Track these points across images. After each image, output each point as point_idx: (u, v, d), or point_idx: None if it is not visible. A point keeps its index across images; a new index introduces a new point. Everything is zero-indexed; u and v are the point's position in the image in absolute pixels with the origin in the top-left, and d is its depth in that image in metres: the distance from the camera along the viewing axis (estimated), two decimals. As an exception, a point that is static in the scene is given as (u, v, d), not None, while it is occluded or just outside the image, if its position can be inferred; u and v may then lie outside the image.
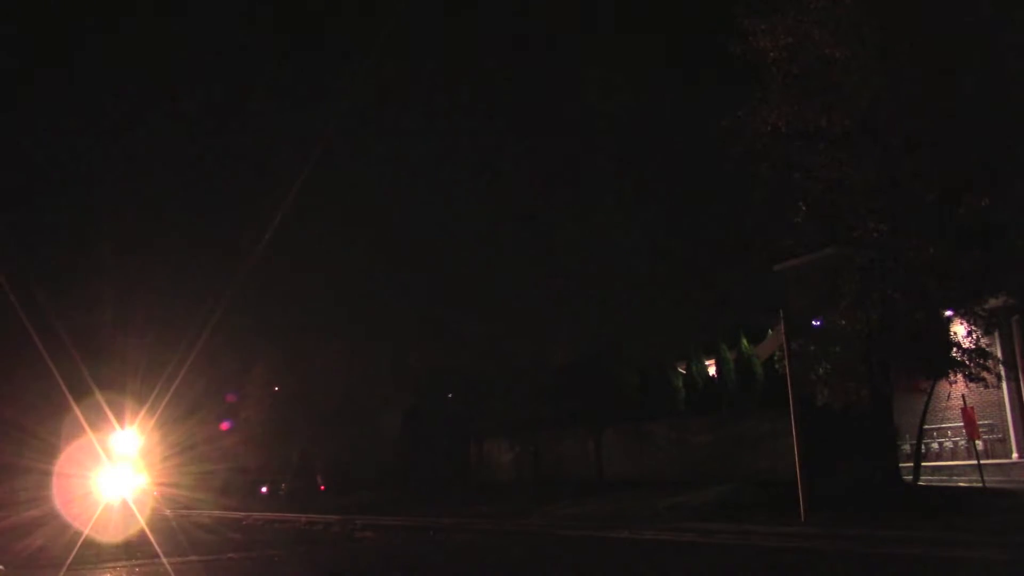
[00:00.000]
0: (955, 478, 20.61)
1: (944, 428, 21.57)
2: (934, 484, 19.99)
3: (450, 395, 38.84)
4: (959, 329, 19.18)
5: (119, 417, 36.29)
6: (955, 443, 21.40)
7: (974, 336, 18.48)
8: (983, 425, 20.00)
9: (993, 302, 18.60)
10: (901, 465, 19.34)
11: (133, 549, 17.76)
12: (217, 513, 34.47)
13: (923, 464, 20.09)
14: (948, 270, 17.26)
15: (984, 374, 18.10)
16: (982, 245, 17.31)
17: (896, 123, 17.55)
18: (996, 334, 20.02)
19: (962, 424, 19.12)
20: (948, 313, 19.04)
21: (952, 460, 21.37)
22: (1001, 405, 20.42)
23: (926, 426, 20.05)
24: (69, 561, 15.43)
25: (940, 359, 18.22)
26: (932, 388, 19.51)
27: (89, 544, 18.57)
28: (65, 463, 34.88)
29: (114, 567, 14.92)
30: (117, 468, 36.93)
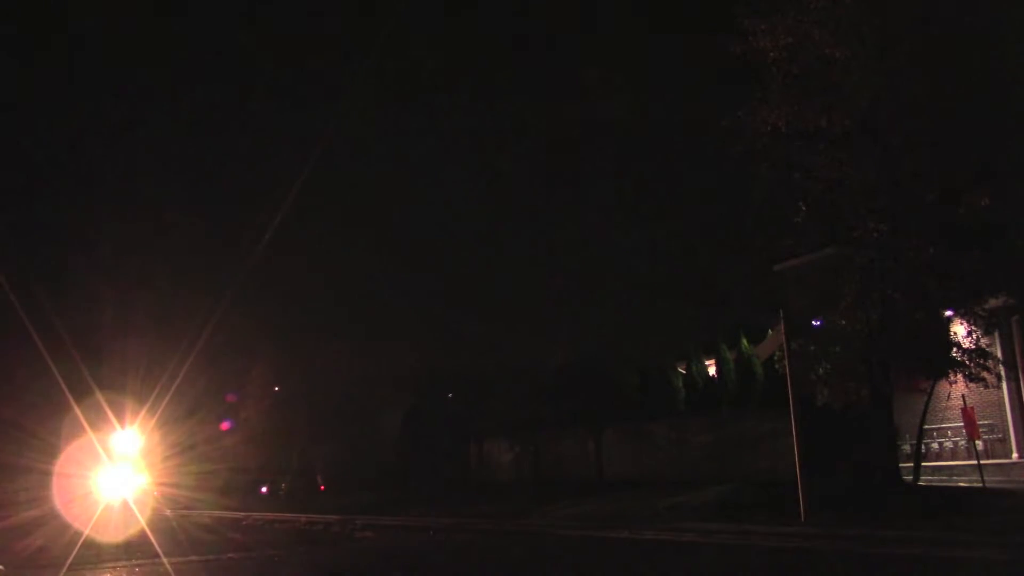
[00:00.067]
0: (955, 478, 20.61)
1: (944, 428, 21.57)
2: (934, 484, 19.99)
3: (450, 395, 38.85)
4: (959, 329, 19.19)
5: (119, 417, 36.30)
6: (955, 443, 21.40)
7: (974, 336, 18.49)
8: (983, 425, 20.01)
9: (993, 302, 18.60)
10: (901, 465, 19.35)
11: (133, 549, 17.76)
12: (217, 513, 34.48)
13: (923, 464, 20.09)
14: (948, 270, 17.27)
15: (984, 374, 18.10)
16: (982, 245, 17.31)
17: (896, 123, 17.56)
18: (996, 334, 20.02)
19: (962, 424, 19.13)
20: (948, 313, 19.04)
21: (952, 460, 21.37)
22: (1001, 405, 20.43)
23: (926, 426, 20.06)
24: (69, 561, 15.42)
25: (940, 359, 18.22)
26: (932, 388, 19.52)
27: (89, 544, 18.57)
28: (65, 463, 34.87)
29: (114, 567, 14.93)
30: (117, 468, 36.91)
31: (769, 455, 22.75)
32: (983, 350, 18.31)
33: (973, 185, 16.98)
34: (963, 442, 20.73)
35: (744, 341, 26.12)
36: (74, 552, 16.76)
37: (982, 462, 18.58)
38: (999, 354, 19.90)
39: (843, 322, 18.50)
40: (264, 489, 46.20)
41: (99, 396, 33.82)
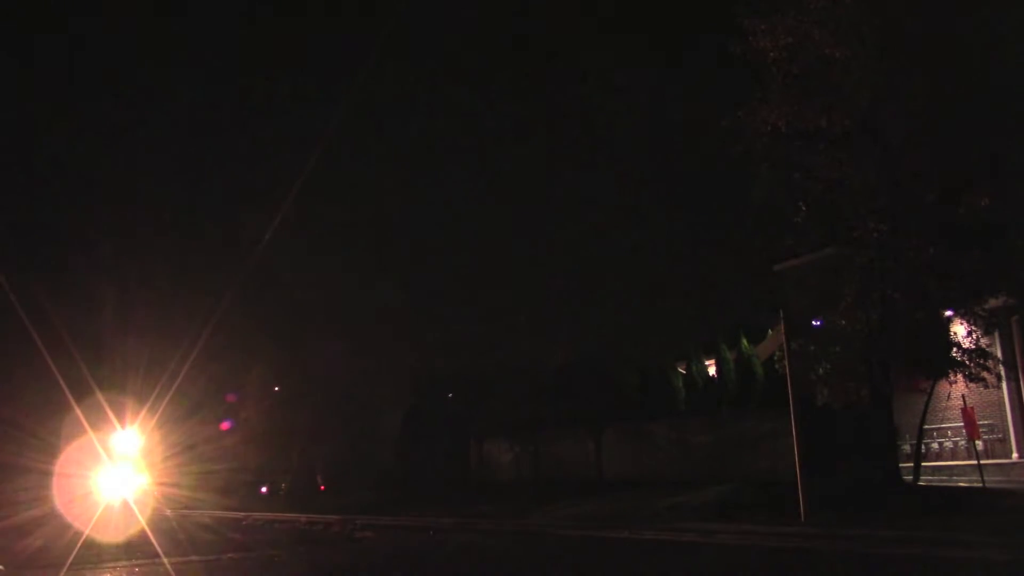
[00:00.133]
0: (955, 478, 20.62)
1: (944, 428, 21.57)
2: (934, 484, 20.00)
3: (450, 395, 38.85)
4: (959, 329, 19.20)
5: (120, 417, 36.32)
6: (955, 443, 21.41)
7: (974, 336, 18.50)
8: (983, 425, 20.01)
9: (993, 302, 18.61)
10: (901, 465, 19.36)
11: (134, 549, 17.76)
12: (217, 513, 34.50)
13: (923, 464, 20.10)
14: (948, 270, 17.27)
15: (984, 374, 18.11)
16: (982, 245, 17.32)
17: (896, 123, 17.57)
18: (996, 334, 20.03)
19: (962, 424, 19.14)
20: (948, 313, 19.05)
21: (952, 460, 21.38)
22: (1001, 405, 20.44)
23: (926, 426, 20.06)
24: (70, 561, 15.42)
25: (940, 359, 18.24)
26: (932, 388, 19.52)
27: (90, 544, 18.56)
28: (65, 463, 34.88)
29: (115, 567, 14.93)
30: (118, 468, 36.93)
31: (769, 455, 22.74)
32: (983, 350, 18.32)
33: (973, 185, 16.99)
34: (963, 442, 20.73)
35: (744, 341, 26.12)
36: (74, 552, 16.76)
37: (982, 462, 18.59)
38: (999, 354, 19.91)
39: (843, 322, 18.51)
40: (264, 489, 46.21)
41: (99, 396, 33.84)
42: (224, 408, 48.55)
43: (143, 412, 36.77)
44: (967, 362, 18.08)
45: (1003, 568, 10.97)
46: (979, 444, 19.18)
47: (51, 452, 36.73)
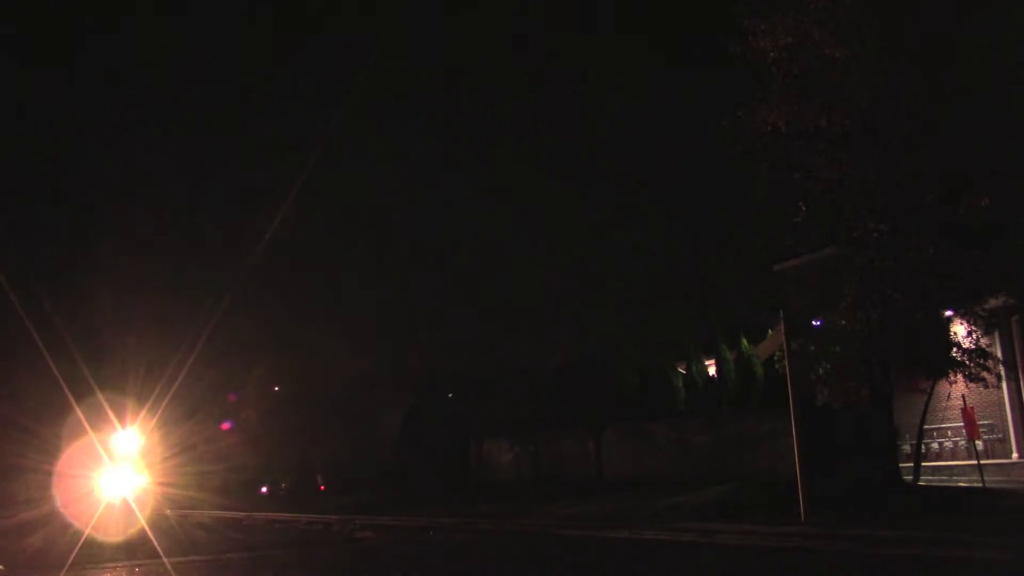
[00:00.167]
0: (955, 478, 20.62)
1: (944, 428, 21.57)
2: (934, 484, 20.00)
3: (450, 395, 38.85)
4: (959, 329, 19.20)
5: (120, 417, 36.28)
6: (955, 443, 21.41)
7: (974, 336, 18.50)
8: (983, 425, 20.01)
9: (993, 302, 18.61)
10: (901, 465, 19.36)
11: (134, 549, 17.76)
12: (217, 513, 34.51)
13: (923, 464, 20.10)
14: (948, 270, 17.27)
15: (984, 374, 18.11)
16: (982, 245, 17.32)
17: (896, 123, 17.56)
18: (996, 334, 20.03)
19: (962, 424, 19.14)
20: (948, 313, 19.05)
21: (952, 460, 21.37)
22: (1001, 405, 20.44)
23: (926, 426, 20.06)
24: (70, 561, 15.43)
25: (940, 359, 18.23)
26: (932, 388, 19.52)
27: (90, 544, 18.57)
28: (66, 463, 34.90)
29: (115, 567, 14.94)
30: (118, 468, 36.91)
31: (769, 455, 22.74)
32: (983, 350, 18.32)
33: (973, 185, 16.99)
34: (963, 442, 20.73)
35: (744, 341, 26.12)
36: (75, 552, 16.76)
37: (982, 462, 18.58)
38: (999, 354, 19.91)
39: (843, 322, 18.50)
40: (264, 489, 46.20)
41: (99, 396, 33.83)
42: (224, 408, 48.53)
43: (143, 412, 36.76)
44: (967, 362, 18.08)
45: (1003, 568, 10.98)
46: (979, 444, 19.18)
47: (51, 452, 36.76)
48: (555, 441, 32.04)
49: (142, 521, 25.10)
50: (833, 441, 20.12)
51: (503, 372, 33.77)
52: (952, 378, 18.66)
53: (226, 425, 48.06)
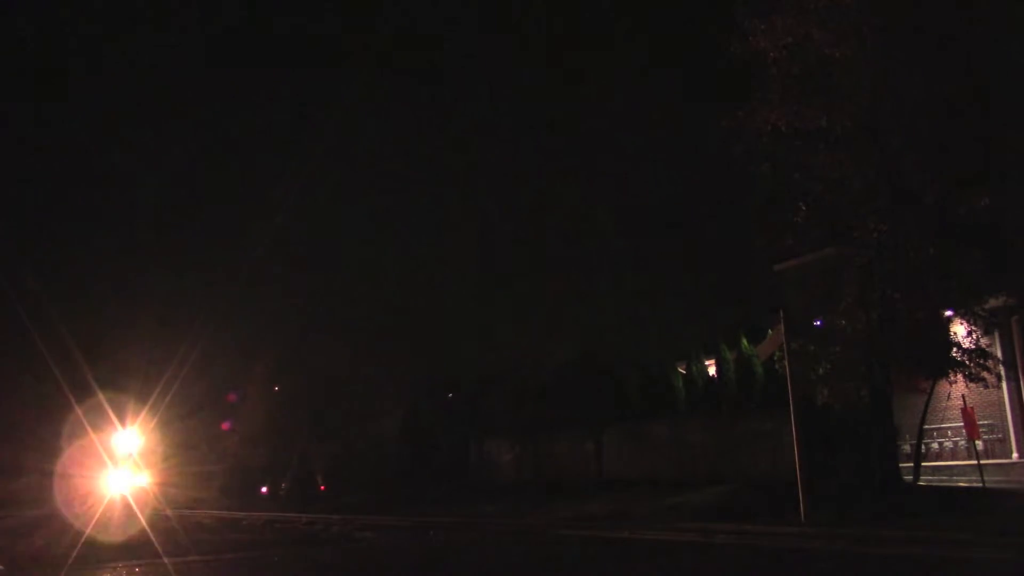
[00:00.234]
0: (955, 478, 20.62)
1: (944, 428, 21.57)
2: (934, 484, 20.00)
3: (450, 395, 38.86)
4: (959, 329, 19.19)
5: (120, 417, 36.33)
6: (955, 443, 21.40)
7: (974, 336, 18.50)
8: (983, 425, 20.01)
9: (993, 302, 18.61)
10: (901, 465, 19.35)
11: (134, 549, 17.76)
12: (217, 513, 34.53)
13: (923, 464, 20.09)
14: (948, 270, 17.27)
15: (984, 374, 18.10)
16: (982, 245, 17.32)
17: (896, 123, 17.56)
18: (996, 334, 20.03)
19: (962, 424, 19.13)
20: (948, 313, 19.05)
21: (952, 460, 21.37)
22: (1001, 405, 20.43)
23: (926, 426, 20.05)
24: (70, 561, 15.42)
25: (940, 359, 18.22)
26: (932, 388, 19.51)
27: (90, 544, 18.58)
28: (66, 463, 34.95)
29: (115, 567, 14.93)
30: (118, 468, 36.94)
31: (769, 455, 22.74)
32: (983, 350, 18.32)
33: (973, 185, 16.99)
34: (963, 442, 20.73)
35: (744, 341, 26.12)
36: (75, 552, 16.76)
37: (982, 462, 18.59)
38: (999, 354, 19.90)
39: (843, 322, 18.49)
40: (264, 489, 46.20)
41: (100, 396, 33.85)
42: (224, 408, 48.58)
43: (143, 412, 36.80)
44: (967, 362, 18.07)
45: (1003, 568, 10.98)
46: (979, 444, 19.18)
47: (52, 452, 36.80)
48: (555, 441, 32.04)
49: (142, 521, 25.13)
50: (833, 441, 20.10)
51: (503, 372, 33.79)
52: (952, 378, 18.65)
53: (226, 425, 48.11)
